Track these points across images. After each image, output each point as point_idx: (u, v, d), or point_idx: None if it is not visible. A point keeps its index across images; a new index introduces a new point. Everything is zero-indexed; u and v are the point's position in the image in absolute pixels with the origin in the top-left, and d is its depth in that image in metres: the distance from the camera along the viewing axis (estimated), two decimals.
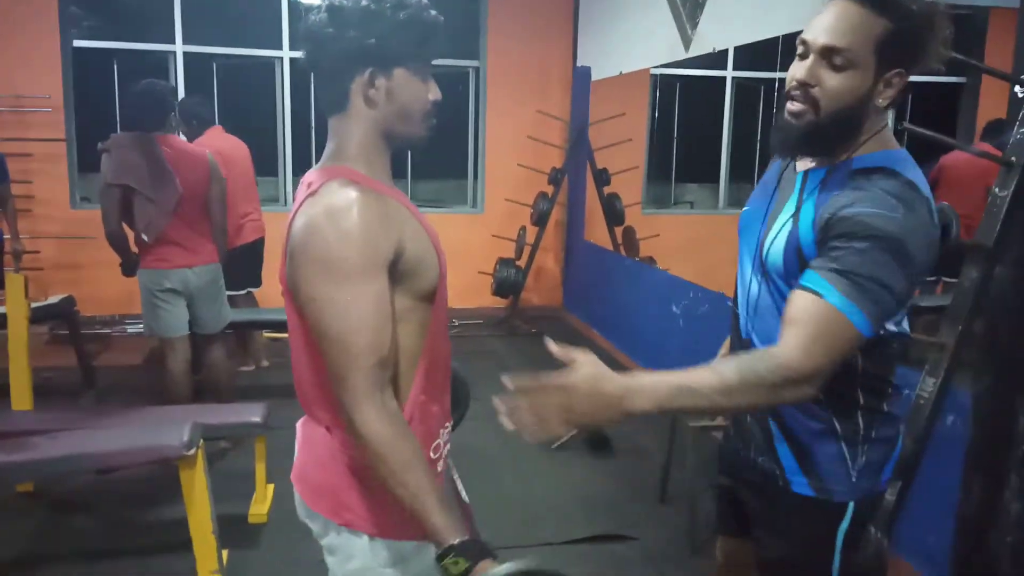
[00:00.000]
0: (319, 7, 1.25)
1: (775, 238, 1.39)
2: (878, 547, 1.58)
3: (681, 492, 3.27)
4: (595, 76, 5.89)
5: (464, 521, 1.19)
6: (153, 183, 3.28)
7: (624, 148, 6.20)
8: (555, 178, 6.14)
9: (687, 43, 4.47)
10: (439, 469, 1.38)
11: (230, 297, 3.94)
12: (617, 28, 5.55)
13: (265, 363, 5.01)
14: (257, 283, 4.87)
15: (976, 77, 7.36)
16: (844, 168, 1.34)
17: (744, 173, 7.60)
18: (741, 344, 1.51)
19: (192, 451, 2.38)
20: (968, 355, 2.17)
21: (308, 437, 1.35)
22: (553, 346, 1.24)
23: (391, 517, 1.26)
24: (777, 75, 7.28)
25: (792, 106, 1.34)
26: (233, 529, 2.88)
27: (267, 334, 5.26)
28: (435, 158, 6.99)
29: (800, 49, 1.34)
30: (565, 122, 6.38)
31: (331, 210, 1.16)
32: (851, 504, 1.44)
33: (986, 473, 2.20)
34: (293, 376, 1.40)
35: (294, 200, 1.33)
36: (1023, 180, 2.05)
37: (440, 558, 1.13)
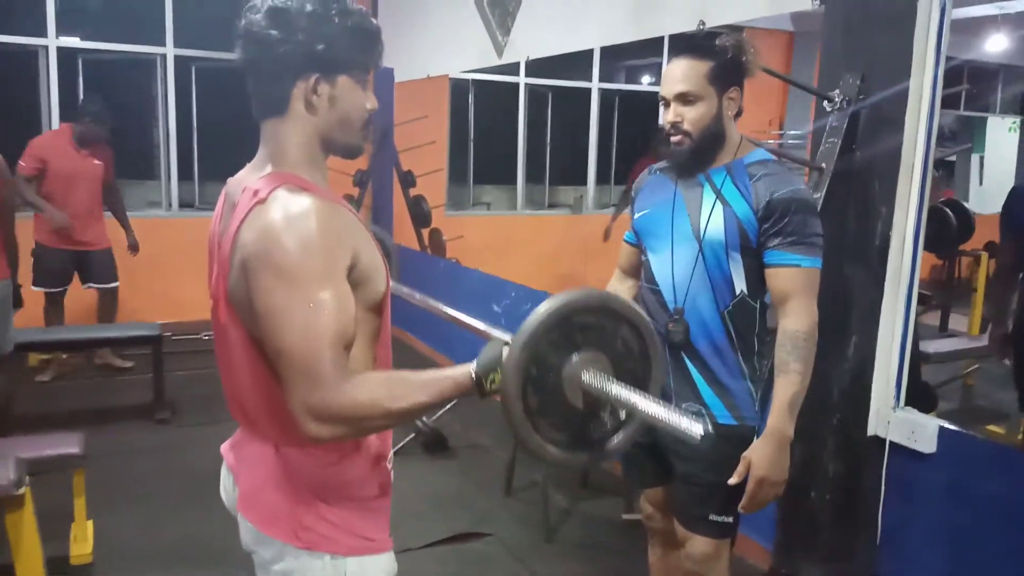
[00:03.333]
0: (256, 6, 1.20)
1: (709, 220, 1.85)
2: None
3: (525, 484, 3.40)
4: (399, 78, 5.88)
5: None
6: None
7: (427, 150, 6.25)
8: (361, 180, 6.06)
9: (499, 50, 4.61)
10: (391, 478, 1.36)
11: None
12: (422, 30, 5.58)
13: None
14: None
15: None
16: (739, 165, 1.87)
17: (538, 175, 7.95)
18: (673, 314, 1.91)
19: (21, 490, 2.11)
20: None
21: (254, 459, 1.27)
22: (733, 480, 1.78)
23: (352, 533, 1.24)
24: (564, 83, 7.69)
25: (673, 140, 1.86)
26: (57, 573, 2.57)
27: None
28: (225, 158, 6.61)
29: (663, 103, 1.87)
30: None
31: (288, 218, 1.11)
32: (756, 427, 1.88)
33: (806, 439, 2.51)
34: (227, 394, 1.31)
35: (227, 207, 1.26)
36: (833, 183, 2.37)
37: (480, 393, 1.12)
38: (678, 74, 1.82)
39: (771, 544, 2.69)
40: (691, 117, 1.82)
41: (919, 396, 2.53)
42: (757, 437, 1.86)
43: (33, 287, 4.52)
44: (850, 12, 2.42)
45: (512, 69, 7.05)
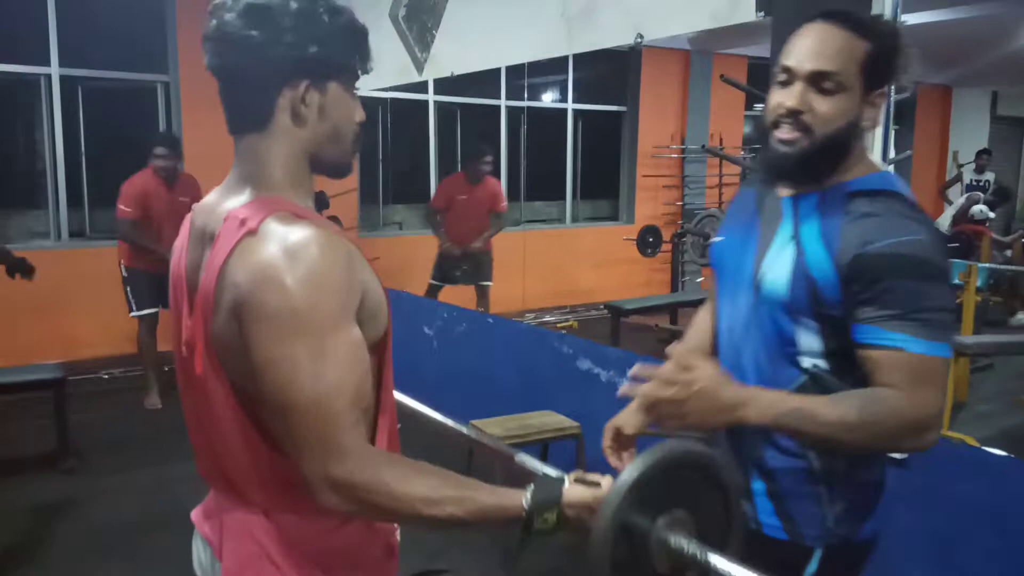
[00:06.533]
0: (227, 4, 1.05)
1: (773, 264, 1.34)
2: None
3: None
4: None
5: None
6: None
7: None
8: None
9: (419, 66, 4.49)
10: (397, 538, 1.22)
11: None
12: None
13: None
14: None
15: (635, 106, 8.41)
16: (838, 191, 1.32)
17: None
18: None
19: None
20: None
21: (240, 529, 1.10)
22: (674, 349, 1.24)
23: None
24: (472, 100, 7.63)
25: (783, 134, 1.31)
26: None
27: None
28: (117, 183, 6.21)
29: (783, 77, 1.31)
30: None
31: (289, 253, 0.97)
32: (819, 551, 1.36)
33: None
34: (200, 455, 1.15)
35: (196, 238, 1.10)
36: None
37: (525, 530, 1.02)
38: (822, 47, 1.27)
39: None
40: (823, 111, 1.28)
41: None
42: (816, 562, 1.36)
43: None
44: (798, 22, 2.43)
45: (421, 87, 6.94)
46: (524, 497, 1.03)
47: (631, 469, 1.03)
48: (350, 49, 1.10)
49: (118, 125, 6.08)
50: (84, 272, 5.59)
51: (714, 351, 1.58)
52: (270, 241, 0.98)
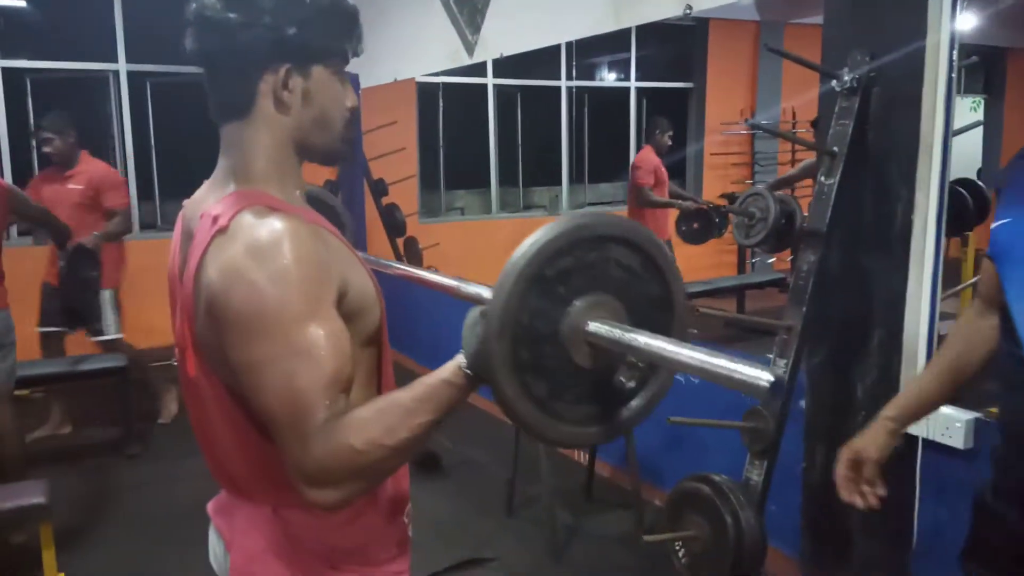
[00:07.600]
0: None
1: None
2: None
3: (526, 501, 3.22)
4: (364, 83, 5.68)
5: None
6: None
7: (397, 157, 6.05)
8: (330, 191, 5.84)
9: (470, 49, 4.43)
10: (409, 534, 1.18)
11: None
12: (387, 33, 5.38)
13: (67, 429, 4.26)
14: None
15: (702, 82, 8.15)
16: None
17: (511, 177, 7.78)
18: None
19: None
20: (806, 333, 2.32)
21: (247, 524, 1.08)
22: None
23: None
24: (532, 83, 7.54)
25: None
26: None
27: None
28: (187, 175, 6.38)
29: None
30: None
31: (257, 250, 0.91)
32: None
33: (829, 441, 2.36)
34: (205, 454, 1.12)
35: (185, 235, 1.06)
36: (846, 168, 2.22)
37: (483, 384, 0.96)
38: None
39: (797, 554, 2.54)
40: None
41: None
42: None
43: None
44: None
45: (479, 70, 6.88)
46: (460, 361, 0.96)
47: (527, 245, 0.92)
48: (335, 31, 1.05)
49: (186, 119, 6.21)
50: (158, 263, 5.74)
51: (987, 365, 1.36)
52: (239, 238, 0.93)
